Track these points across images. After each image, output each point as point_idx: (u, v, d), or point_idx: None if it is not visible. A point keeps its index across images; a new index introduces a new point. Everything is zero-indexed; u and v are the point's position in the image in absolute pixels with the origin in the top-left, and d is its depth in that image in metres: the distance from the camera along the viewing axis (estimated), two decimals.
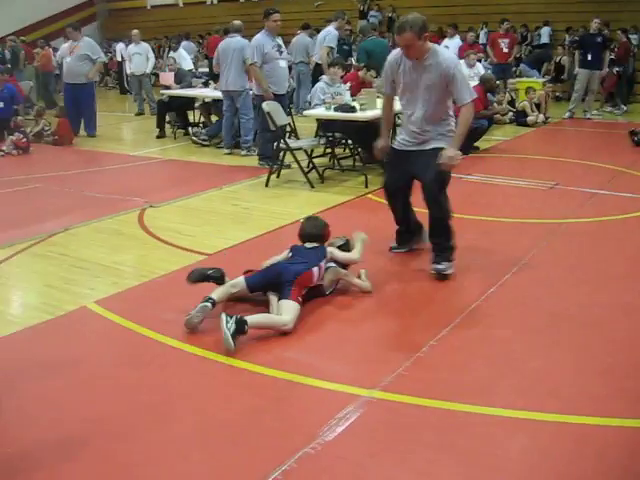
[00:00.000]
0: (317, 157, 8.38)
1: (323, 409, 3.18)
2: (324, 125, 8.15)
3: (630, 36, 16.54)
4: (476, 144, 9.67)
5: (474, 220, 6.18)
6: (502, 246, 5.47)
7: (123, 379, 3.53)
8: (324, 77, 8.48)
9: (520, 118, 12.25)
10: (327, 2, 19.97)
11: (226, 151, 9.79)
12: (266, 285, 4.28)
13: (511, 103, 12.82)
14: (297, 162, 7.80)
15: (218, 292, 4.18)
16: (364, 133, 7.93)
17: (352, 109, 7.59)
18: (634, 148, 9.69)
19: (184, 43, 17.15)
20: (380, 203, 6.82)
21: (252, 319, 3.86)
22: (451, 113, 4.90)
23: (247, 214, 6.69)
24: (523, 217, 6.24)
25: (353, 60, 12.69)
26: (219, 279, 4.31)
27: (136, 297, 4.60)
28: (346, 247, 4.76)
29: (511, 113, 12.52)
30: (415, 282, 4.79)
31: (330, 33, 11.68)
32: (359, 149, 8.28)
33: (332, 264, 4.55)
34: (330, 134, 8.07)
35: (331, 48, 11.48)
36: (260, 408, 3.22)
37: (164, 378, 3.54)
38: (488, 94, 10.24)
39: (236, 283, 4.29)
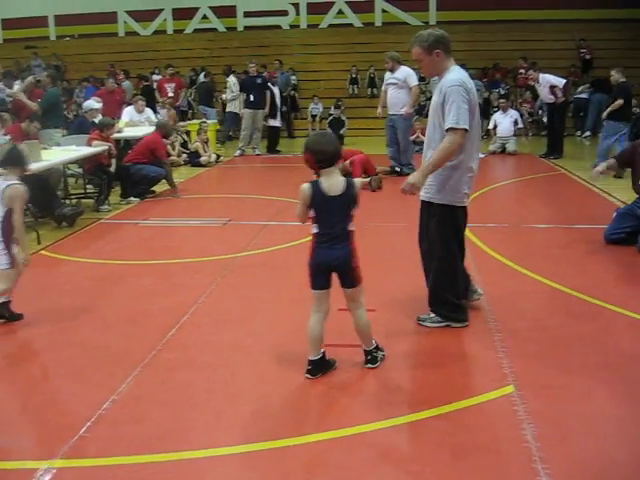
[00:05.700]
0: None
1: None
2: None
3: (291, 76, 18.37)
4: (154, 188, 9.75)
5: (152, 265, 6.25)
6: (180, 287, 5.58)
7: None
8: None
9: (194, 159, 12.67)
10: None
11: None
12: None
13: (184, 145, 13.18)
14: None
15: None
16: (31, 186, 7.58)
17: None
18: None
19: None
20: (55, 259, 6.57)
21: None
22: None
23: None
24: (200, 256, 6.46)
25: None
26: None
27: None
28: None
29: (185, 155, 12.86)
30: (91, 335, 4.68)
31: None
32: (28, 204, 7.86)
33: None
34: None
35: None
36: None
37: None
38: None
39: None
